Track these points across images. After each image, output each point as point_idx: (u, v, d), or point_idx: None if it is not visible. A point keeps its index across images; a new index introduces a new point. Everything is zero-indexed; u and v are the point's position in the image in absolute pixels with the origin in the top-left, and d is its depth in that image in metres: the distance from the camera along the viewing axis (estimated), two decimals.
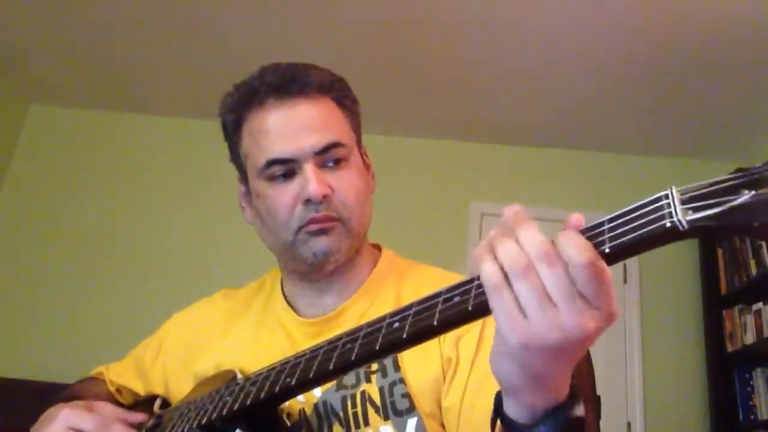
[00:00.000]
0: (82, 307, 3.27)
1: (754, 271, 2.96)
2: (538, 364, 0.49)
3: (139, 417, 0.88)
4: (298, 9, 2.70)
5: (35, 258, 3.38)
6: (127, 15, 2.83)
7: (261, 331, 0.93)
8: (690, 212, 0.43)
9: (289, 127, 0.84)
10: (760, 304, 2.91)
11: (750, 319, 2.95)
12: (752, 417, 2.95)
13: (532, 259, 0.47)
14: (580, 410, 0.53)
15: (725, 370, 3.08)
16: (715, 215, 0.42)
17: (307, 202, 0.83)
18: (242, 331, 0.95)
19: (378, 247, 1.00)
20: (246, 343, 0.92)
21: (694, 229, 0.43)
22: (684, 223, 0.43)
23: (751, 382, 3.02)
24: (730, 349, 3.05)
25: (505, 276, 0.48)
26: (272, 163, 0.84)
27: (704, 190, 0.43)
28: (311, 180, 0.82)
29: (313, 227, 0.83)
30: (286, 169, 0.84)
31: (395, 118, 3.45)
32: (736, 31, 2.58)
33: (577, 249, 0.46)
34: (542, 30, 2.70)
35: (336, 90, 0.89)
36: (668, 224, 0.43)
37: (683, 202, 0.44)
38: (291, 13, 2.73)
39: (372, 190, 0.94)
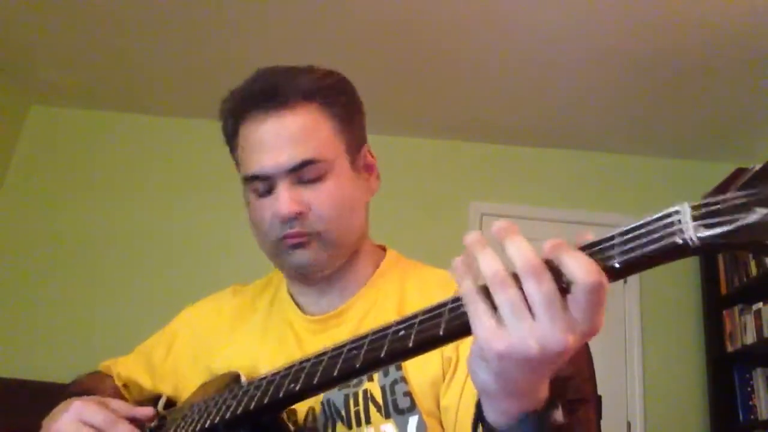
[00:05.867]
0: (82, 307, 3.26)
1: (754, 271, 2.96)
2: (514, 373, 0.49)
3: (146, 411, 0.88)
4: (299, 9, 2.69)
5: (35, 258, 3.37)
6: (127, 15, 2.82)
7: (268, 328, 0.94)
8: (701, 229, 0.42)
9: (268, 143, 0.84)
10: (760, 304, 2.91)
11: (750, 319, 2.95)
12: (752, 417, 2.95)
13: (520, 272, 0.47)
14: (558, 415, 0.53)
15: (725, 370, 3.08)
16: (727, 233, 0.41)
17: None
18: (251, 327, 0.96)
19: (383, 248, 1.00)
20: (255, 339, 0.94)
21: (705, 246, 0.43)
22: (695, 239, 0.43)
23: (751, 382, 3.02)
24: (730, 349, 3.05)
25: (485, 286, 0.48)
26: (253, 178, 0.85)
27: (716, 207, 0.43)
28: (280, 200, 0.83)
29: (289, 242, 0.85)
30: (266, 185, 0.85)
31: (395, 118, 3.44)
32: (736, 32, 2.58)
33: (584, 270, 0.45)
34: (542, 30, 2.69)
35: (322, 96, 0.86)
36: (679, 241, 0.43)
37: (695, 219, 0.43)
38: (291, 13, 2.73)
39: (373, 191, 0.94)
